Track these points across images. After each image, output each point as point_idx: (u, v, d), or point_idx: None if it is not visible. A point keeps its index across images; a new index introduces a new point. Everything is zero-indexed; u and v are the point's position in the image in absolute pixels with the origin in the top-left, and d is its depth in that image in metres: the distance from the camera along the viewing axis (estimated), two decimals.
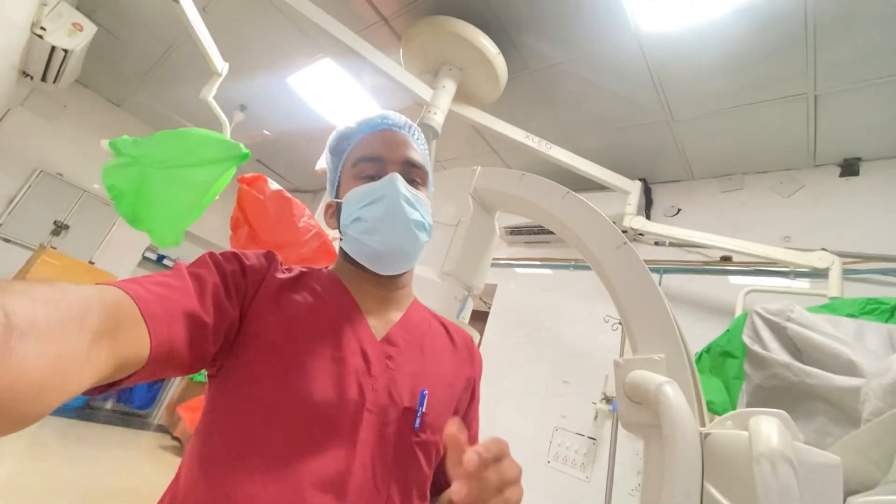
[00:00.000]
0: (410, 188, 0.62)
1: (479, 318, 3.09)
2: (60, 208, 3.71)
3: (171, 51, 2.92)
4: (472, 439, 0.70)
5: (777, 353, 1.00)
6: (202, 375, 3.97)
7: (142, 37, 2.87)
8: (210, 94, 2.05)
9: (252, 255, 0.60)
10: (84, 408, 3.93)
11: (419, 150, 0.68)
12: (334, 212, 0.66)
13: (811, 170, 2.09)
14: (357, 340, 0.57)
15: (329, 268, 0.68)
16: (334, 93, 2.77)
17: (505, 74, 1.93)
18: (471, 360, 0.71)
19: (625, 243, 0.81)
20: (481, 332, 2.87)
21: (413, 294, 0.71)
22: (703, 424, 0.65)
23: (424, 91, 1.91)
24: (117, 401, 4.16)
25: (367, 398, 0.54)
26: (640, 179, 2.47)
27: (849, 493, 0.59)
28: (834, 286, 1.57)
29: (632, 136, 2.27)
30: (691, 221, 2.32)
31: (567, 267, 2.66)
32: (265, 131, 2.93)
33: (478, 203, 1.24)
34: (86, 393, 0.38)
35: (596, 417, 2.11)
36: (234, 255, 0.58)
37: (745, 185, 2.24)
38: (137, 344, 0.40)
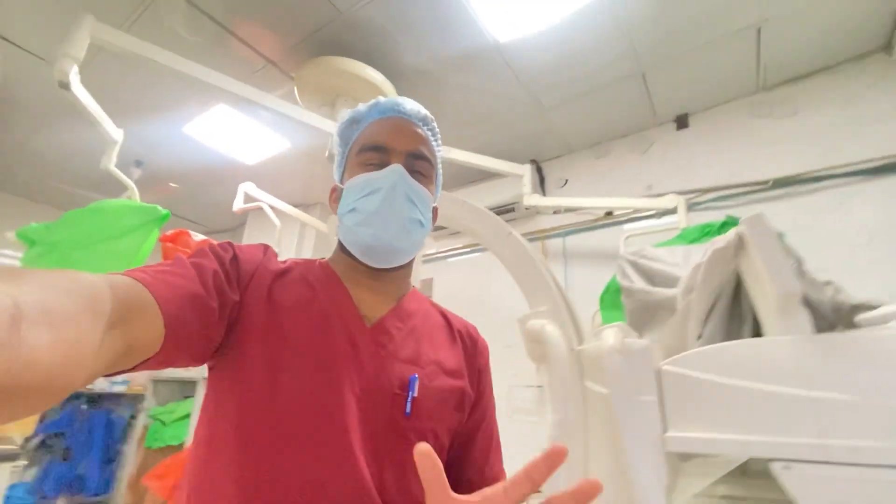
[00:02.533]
0: (411, 182, 0.61)
1: None
2: None
3: (47, 123, 2.78)
4: (490, 434, 0.71)
5: (637, 282, 1.36)
6: (159, 441, 3.84)
7: (4, 112, 2.70)
8: (111, 162, 2.05)
9: (245, 247, 0.61)
10: None
11: (428, 142, 0.66)
12: (337, 196, 0.66)
13: (656, 128, 2.57)
14: (346, 329, 0.57)
15: (324, 259, 0.68)
16: (235, 133, 2.83)
17: (392, 90, 2.17)
18: (474, 348, 0.71)
19: (510, 233, 1.09)
20: None
21: (411, 284, 0.71)
22: (580, 343, 0.96)
23: (325, 124, 2.09)
24: (70, 494, 3.89)
25: (356, 386, 0.55)
26: (531, 161, 2.85)
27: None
28: (682, 219, 2.03)
29: (514, 127, 2.62)
30: (577, 188, 2.74)
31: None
32: (172, 184, 2.91)
33: None
34: (106, 375, 0.39)
35: (537, 369, 2.46)
36: (230, 244, 0.60)
37: (612, 150, 2.69)
38: (151, 329, 0.41)
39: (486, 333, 2.78)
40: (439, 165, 0.70)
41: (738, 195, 2.18)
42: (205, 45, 2.13)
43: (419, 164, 0.64)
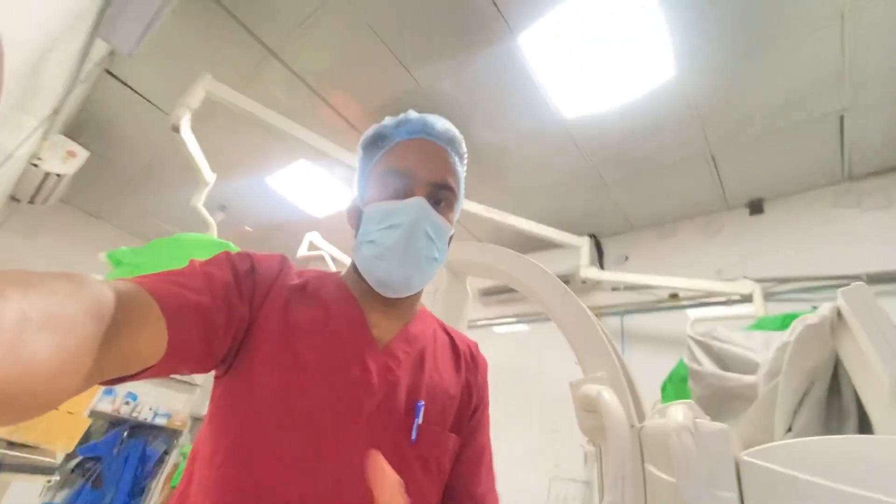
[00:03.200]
0: (433, 216, 0.60)
1: None
2: None
3: (154, 165, 3.18)
4: (481, 450, 0.70)
5: (707, 366, 1.22)
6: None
7: (124, 154, 3.13)
8: (200, 201, 2.27)
9: (264, 259, 0.60)
10: None
11: (454, 166, 0.64)
12: (355, 215, 0.65)
13: (726, 212, 2.46)
14: (358, 350, 0.57)
15: (340, 273, 0.67)
16: (310, 187, 3.06)
17: None
18: (474, 365, 0.71)
19: (566, 291, 1.04)
20: None
21: (421, 303, 0.70)
22: (641, 420, 0.85)
23: None
24: None
25: (364, 408, 0.54)
26: (589, 235, 2.80)
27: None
28: (758, 307, 1.85)
29: (575, 199, 2.63)
30: (639, 266, 2.63)
31: (540, 319, 2.87)
32: (247, 227, 3.15)
33: (450, 272, 1.47)
34: (103, 383, 0.39)
35: (586, 461, 2.21)
36: (248, 255, 0.59)
37: (677, 230, 2.59)
38: (153, 338, 0.40)
39: (530, 414, 2.59)
40: (462, 189, 0.68)
41: (822, 288, 1.98)
42: (298, 107, 2.39)
43: (442, 194, 0.62)
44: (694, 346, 1.30)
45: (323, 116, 2.43)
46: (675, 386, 1.63)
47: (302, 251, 2.96)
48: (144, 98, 2.55)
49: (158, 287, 0.43)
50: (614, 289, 2.60)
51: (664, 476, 0.74)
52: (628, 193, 2.51)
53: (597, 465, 0.99)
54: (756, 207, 2.35)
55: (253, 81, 2.29)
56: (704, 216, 2.52)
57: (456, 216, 0.68)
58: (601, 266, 2.72)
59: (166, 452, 4.23)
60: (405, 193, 0.60)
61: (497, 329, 3.11)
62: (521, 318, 2.98)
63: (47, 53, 1.45)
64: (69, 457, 3.53)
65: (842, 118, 1.87)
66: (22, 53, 1.29)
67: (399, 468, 0.51)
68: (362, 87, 2.20)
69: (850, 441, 0.62)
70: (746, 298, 1.99)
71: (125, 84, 2.47)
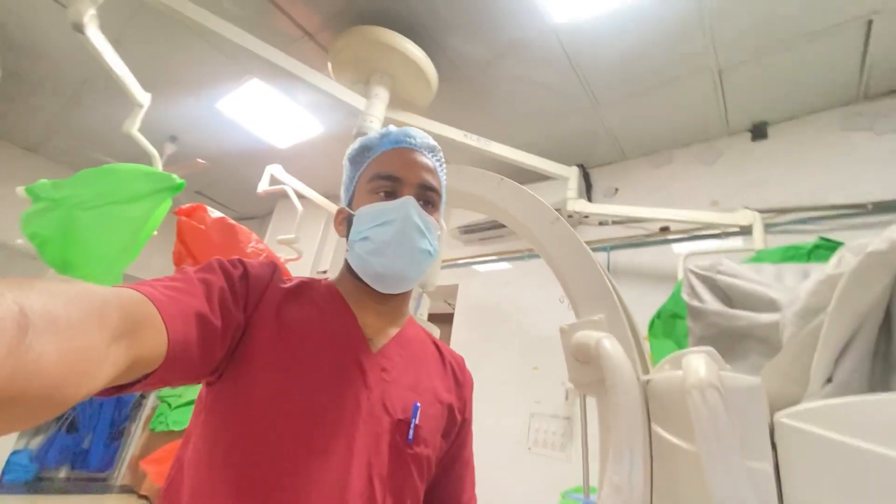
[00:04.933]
0: (422, 213, 0.63)
1: (446, 319, 3.10)
2: None
3: (85, 86, 2.76)
4: (466, 463, 0.74)
5: (711, 303, 1.07)
6: (163, 425, 3.75)
7: (49, 74, 2.69)
8: (134, 126, 1.96)
9: (256, 265, 0.61)
10: (35, 480, 3.59)
11: (436, 172, 0.69)
12: (344, 219, 0.67)
13: (727, 137, 2.26)
14: (354, 352, 0.58)
15: (329, 279, 0.69)
16: (268, 112, 2.72)
17: (435, 77, 1.98)
18: (462, 378, 0.73)
19: (557, 219, 0.86)
20: (448, 333, 2.89)
21: (409, 312, 0.73)
22: (645, 373, 0.71)
23: (358, 101, 1.92)
24: (72, 467, 3.84)
25: (362, 409, 0.55)
26: (577, 165, 2.59)
27: (775, 411, 0.66)
28: (758, 240, 1.71)
29: (564, 125, 2.38)
30: (629, 199, 2.46)
31: (523, 258, 2.73)
32: (199, 160, 2.83)
33: None
34: (99, 394, 0.37)
35: (567, 397, 2.17)
36: (240, 261, 0.59)
37: (672, 159, 2.40)
38: (155, 343, 0.40)
39: (510, 352, 2.50)
40: (444, 195, 0.72)
41: (825, 218, 1.84)
42: (241, 14, 2.01)
43: (428, 195, 0.65)
44: (694, 280, 1.15)
45: (275, 25, 2.06)
46: (665, 322, 1.53)
47: (263, 185, 2.68)
48: (59, 3, 2.11)
49: (157, 294, 0.43)
50: (601, 223, 2.44)
51: (678, 442, 0.59)
52: (622, 117, 2.27)
53: (578, 400, 0.88)
54: (759, 132, 2.15)
55: None
56: (702, 143, 2.32)
57: (441, 218, 0.71)
58: (589, 198, 2.54)
59: (143, 396, 4.15)
60: (394, 195, 0.63)
61: (478, 268, 2.97)
62: (504, 255, 2.83)
63: None
64: None
65: (870, 22, 1.63)
66: None
67: (398, 468, 0.56)
68: None
69: None
70: (745, 230, 1.85)
71: None
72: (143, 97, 1.96)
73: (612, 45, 1.86)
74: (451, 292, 3.02)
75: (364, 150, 0.69)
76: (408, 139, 0.68)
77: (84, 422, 3.86)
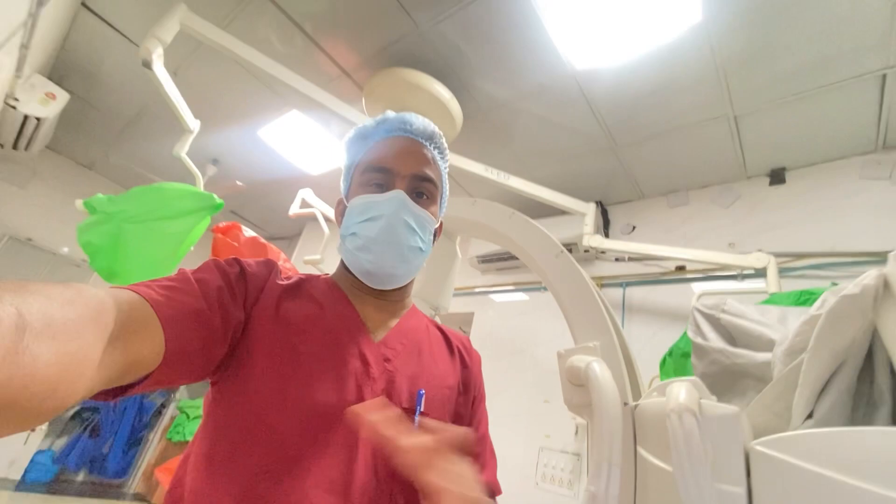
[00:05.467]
0: (413, 207, 0.61)
1: None
2: (30, 273, 3.67)
3: (142, 113, 3.03)
4: (482, 439, 0.72)
5: (714, 341, 1.10)
6: (180, 435, 3.84)
7: (112, 101, 2.98)
8: (183, 150, 2.14)
9: (253, 263, 0.61)
10: (54, 481, 3.71)
11: (435, 162, 0.66)
12: (342, 211, 0.66)
13: (745, 181, 2.30)
14: (356, 344, 0.58)
15: (328, 274, 0.68)
16: (304, 141, 2.91)
17: (460, 116, 2.11)
18: (469, 360, 0.71)
19: (561, 252, 0.92)
20: None
21: (411, 301, 0.71)
22: (637, 398, 0.75)
23: None
24: (90, 471, 3.95)
25: (365, 399, 0.54)
26: (595, 202, 2.64)
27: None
28: (772, 283, 1.72)
29: (583, 163, 2.46)
30: (646, 237, 2.49)
31: (539, 289, 2.77)
32: (238, 182, 3.02)
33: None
34: (97, 397, 0.38)
35: (577, 432, 2.16)
36: (237, 261, 0.59)
37: (689, 199, 2.43)
38: (152, 345, 0.41)
39: (523, 382, 2.51)
40: (445, 184, 0.70)
41: (842, 265, 1.84)
42: (288, 53, 2.21)
43: (423, 186, 0.63)
44: (700, 319, 1.18)
45: (315, 63, 2.25)
46: (676, 361, 1.54)
47: (294, 209, 2.84)
48: (125, 37, 2.37)
49: (153, 294, 0.43)
50: (618, 259, 2.47)
51: (659, 463, 0.64)
52: (640, 158, 2.34)
53: (587, 438, 0.90)
54: (777, 177, 2.18)
55: (238, 20, 2.10)
56: (720, 185, 2.36)
57: (441, 210, 0.70)
58: (606, 234, 2.58)
59: (163, 405, 4.28)
60: (385, 187, 0.61)
61: (494, 297, 3.01)
62: (520, 286, 2.88)
63: None
64: None
65: (884, 77, 1.67)
66: None
67: None
68: (357, 28, 2.02)
69: (884, 434, 0.51)
70: (760, 273, 1.86)
71: (104, 20, 2.29)
72: (194, 124, 2.15)
73: (630, 92, 1.95)
74: (466, 320, 3.06)
75: (360, 138, 0.67)
76: (404, 126, 0.64)
77: (106, 426, 3.99)
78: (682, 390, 0.60)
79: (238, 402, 0.52)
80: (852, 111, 1.83)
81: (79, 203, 1.88)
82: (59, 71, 2.76)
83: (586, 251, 2.40)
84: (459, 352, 0.70)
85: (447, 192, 0.71)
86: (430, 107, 2.03)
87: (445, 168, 0.70)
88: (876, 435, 0.53)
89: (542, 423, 2.35)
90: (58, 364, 0.28)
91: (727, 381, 1.03)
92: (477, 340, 3.07)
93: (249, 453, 0.49)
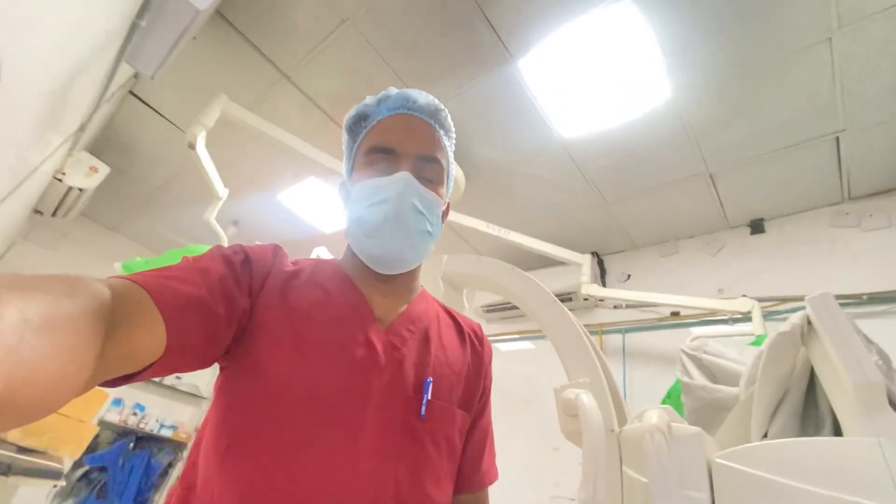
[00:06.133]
0: (420, 190, 0.59)
1: None
2: None
3: (171, 180, 3.31)
4: (485, 427, 0.73)
5: (698, 379, 1.23)
6: None
7: (144, 170, 3.27)
8: (212, 215, 2.37)
9: (257, 248, 0.60)
10: None
11: (440, 140, 0.64)
12: (345, 194, 0.66)
13: (728, 230, 2.48)
14: (363, 330, 0.57)
15: (336, 259, 0.68)
16: (320, 204, 3.15)
17: (463, 179, 2.34)
18: (480, 347, 0.72)
19: (554, 301, 1.07)
20: None
21: (420, 285, 0.69)
22: (622, 425, 0.87)
23: None
24: None
25: (372, 386, 0.54)
26: (592, 252, 2.83)
27: None
28: (757, 326, 1.85)
29: (577, 217, 2.67)
30: (641, 284, 2.64)
31: (543, 337, 2.88)
32: (256, 241, 3.23)
33: (447, 284, 1.52)
34: (104, 384, 0.38)
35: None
36: (241, 247, 0.59)
37: (679, 248, 2.61)
38: (153, 336, 0.40)
39: (531, 432, 2.57)
40: (451, 163, 0.68)
41: None
42: (309, 127, 2.50)
43: (428, 168, 0.61)
44: (686, 360, 1.32)
45: (333, 135, 2.52)
46: (674, 402, 1.63)
47: None
48: (164, 117, 2.68)
49: (154, 283, 0.43)
50: (616, 307, 2.60)
51: (639, 477, 0.76)
52: (629, 212, 2.55)
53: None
54: (757, 227, 2.36)
55: (266, 102, 2.40)
56: (706, 235, 2.53)
57: (448, 190, 0.68)
58: (603, 283, 2.74)
59: (170, 465, 4.25)
60: (390, 169, 0.60)
61: (500, 346, 3.11)
62: (524, 335, 2.99)
63: (76, 76, 1.56)
64: (76, 465, 3.57)
65: (837, 139, 1.89)
66: (51, 77, 1.39)
67: (410, 445, 0.55)
68: None
69: (817, 443, 0.64)
70: (747, 316, 1.99)
71: (147, 104, 2.61)
72: (223, 191, 2.39)
73: (613, 155, 2.19)
74: None
75: (361, 119, 0.64)
76: (407, 104, 0.63)
77: (113, 488, 3.96)
78: (654, 415, 0.73)
79: (244, 390, 0.52)
80: (816, 166, 2.04)
81: (117, 266, 2.06)
82: (100, 145, 3.08)
83: (585, 299, 2.54)
84: (470, 338, 0.70)
85: (454, 172, 0.69)
86: None
87: (451, 146, 0.68)
88: (812, 444, 0.65)
89: (551, 472, 2.38)
90: (59, 357, 0.28)
91: (710, 414, 1.14)
92: None
93: (255, 441, 0.49)
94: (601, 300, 2.57)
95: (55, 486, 2.52)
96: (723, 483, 0.67)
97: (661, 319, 2.43)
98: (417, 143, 0.61)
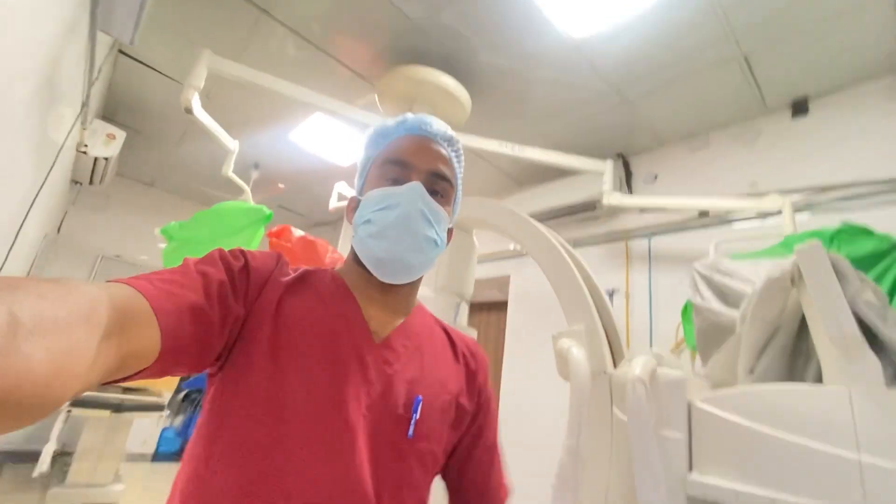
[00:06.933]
0: (430, 201, 0.61)
1: (500, 308, 3.37)
2: None
3: (185, 134, 3.35)
4: (491, 447, 0.71)
5: (708, 300, 1.23)
6: None
7: (158, 127, 3.31)
8: (229, 169, 2.42)
9: (259, 255, 0.60)
10: (181, 450, 4.48)
11: (451, 162, 0.66)
12: (354, 207, 0.66)
13: (765, 116, 2.25)
14: (355, 345, 0.57)
15: (336, 268, 0.68)
16: (330, 138, 3.11)
17: (468, 100, 2.21)
18: (475, 364, 0.70)
19: (553, 247, 1.08)
20: (504, 321, 3.15)
21: (417, 300, 0.70)
22: (616, 366, 0.93)
23: None
24: None
25: (362, 403, 0.54)
26: (618, 154, 2.68)
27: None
28: (787, 224, 1.76)
29: (597, 120, 2.49)
30: (669, 184, 2.52)
31: (575, 247, 2.89)
32: (280, 185, 3.31)
33: (456, 226, 1.54)
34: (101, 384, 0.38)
35: None
36: (242, 252, 0.58)
37: (709, 142, 2.42)
38: (147, 340, 0.40)
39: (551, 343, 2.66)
40: (459, 188, 0.70)
41: (865, 196, 1.83)
42: (304, 61, 2.38)
43: (439, 184, 0.63)
44: (698, 279, 1.31)
45: (330, 67, 2.40)
46: (689, 316, 1.66)
47: (332, 202, 3.11)
48: (159, 72, 2.63)
49: (151, 288, 0.43)
50: (643, 210, 2.53)
51: (623, 417, 0.83)
52: (655, 107, 2.34)
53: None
54: (799, 108, 2.12)
55: (252, 44, 2.28)
56: (740, 124, 2.32)
57: (454, 212, 0.69)
58: (629, 186, 2.63)
59: None
60: (402, 180, 0.61)
61: (527, 258, 3.17)
62: None
63: (59, 52, 1.54)
64: (177, 391, 4.23)
65: None
66: (39, 60, 1.39)
67: (396, 464, 0.55)
68: (356, 30, 2.13)
69: (791, 391, 0.66)
70: (777, 214, 1.89)
71: (139, 62, 2.55)
72: (233, 144, 2.40)
73: (631, 49, 1.96)
74: (503, 283, 3.26)
75: (379, 136, 0.67)
76: (423, 126, 0.65)
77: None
78: (638, 364, 0.77)
79: (232, 400, 0.52)
80: (868, 33, 1.75)
81: (157, 231, 2.21)
82: (110, 109, 3.11)
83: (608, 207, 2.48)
84: (464, 356, 0.70)
85: (460, 196, 0.71)
86: (439, 96, 2.15)
87: (460, 172, 0.70)
88: (786, 392, 0.68)
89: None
90: (50, 362, 0.28)
91: (717, 335, 1.17)
92: (515, 300, 3.27)
93: (241, 453, 0.49)
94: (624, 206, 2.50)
95: (160, 416, 3.03)
96: (700, 425, 0.73)
97: (688, 221, 2.35)
98: (430, 160, 0.63)
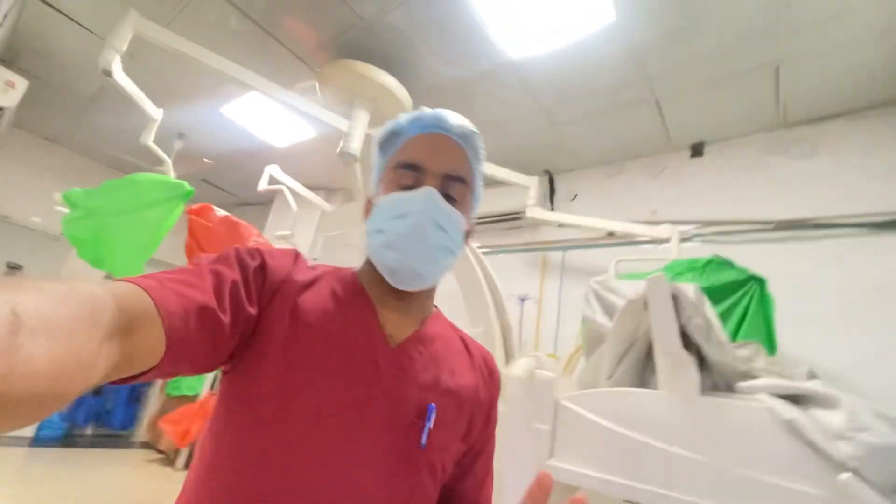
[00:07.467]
0: (444, 206, 0.59)
1: None
2: (11, 249, 3.79)
3: (101, 91, 3.06)
4: (489, 458, 0.71)
5: (596, 313, 1.41)
6: (177, 390, 4.20)
7: (69, 80, 3.00)
8: (150, 138, 2.27)
9: (276, 254, 0.59)
10: (66, 436, 4.10)
11: (468, 161, 0.64)
12: (369, 210, 0.65)
13: (670, 153, 2.55)
14: (370, 349, 0.56)
15: (355, 269, 0.66)
16: (267, 117, 3.02)
17: (409, 101, 2.27)
18: (490, 378, 0.69)
19: (465, 258, 1.18)
20: None
21: (434, 306, 0.69)
22: (509, 364, 1.06)
23: (341, 122, 2.22)
24: (97, 425, 4.34)
25: (374, 410, 0.53)
26: (545, 171, 2.89)
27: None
28: (673, 251, 2.04)
29: (528, 138, 2.67)
30: (586, 203, 2.76)
31: (489, 253, 3.06)
32: (205, 159, 3.14)
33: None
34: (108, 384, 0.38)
35: None
36: (259, 252, 0.57)
37: (623, 169, 2.69)
38: (152, 341, 0.40)
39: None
40: (478, 184, 0.67)
41: (738, 232, 2.15)
42: (243, 35, 2.29)
43: (454, 187, 0.61)
44: (590, 294, 1.49)
45: (269, 46, 2.34)
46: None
47: (262, 185, 3.01)
48: (76, 21, 2.40)
49: (158, 287, 0.42)
50: (560, 225, 2.75)
51: (506, 410, 0.95)
52: (578, 133, 2.56)
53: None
54: (697, 150, 2.43)
55: (189, 9, 2.16)
56: (649, 157, 2.60)
57: (473, 212, 0.67)
58: (552, 201, 2.85)
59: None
60: (416, 185, 0.59)
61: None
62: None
63: None
64: None
65: (777, 69, 1.89)
66: None
67: (407, 473, 0.53)
68: (304, 18, 2.11)
69: (629, 394, 0.82)
70: (668, 241, 2.17)
71: (53, 7, 2.31)
72: (156, 113, 2.26)
73: (560, 76, 2.13)
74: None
75: (392, 136, 0.64)
76: (439, 122, 0.63)
77: (108, 385, 4.34)
78: (518, 366, 0.89)
79: (244, 401, 0.52)
80: (754, 94, 2.06)
81: (57, 196, 2.03)
82: (11, 53, 2.77)
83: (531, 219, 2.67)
84: (481, 368, 0.68)
85: (481, 194, 0.68)
86: (380, 94, 2.19)
87: (480, 169, 0.67)
88: (627, 395, 0.83)
89: None
90: (53, 362, 0.28)
91: (597, 344, 1.35)
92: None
93: (248, 455, 0.49)
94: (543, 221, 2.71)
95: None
96: (563, 419, 0.86)
97: (597, 239, 2.60)
98: (445, 162, 0.61)
